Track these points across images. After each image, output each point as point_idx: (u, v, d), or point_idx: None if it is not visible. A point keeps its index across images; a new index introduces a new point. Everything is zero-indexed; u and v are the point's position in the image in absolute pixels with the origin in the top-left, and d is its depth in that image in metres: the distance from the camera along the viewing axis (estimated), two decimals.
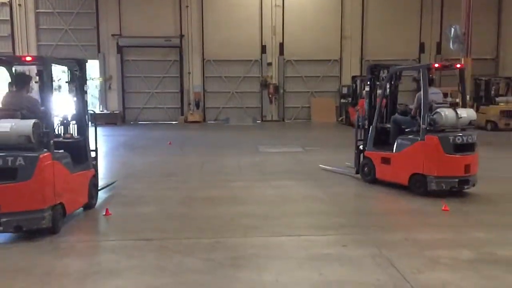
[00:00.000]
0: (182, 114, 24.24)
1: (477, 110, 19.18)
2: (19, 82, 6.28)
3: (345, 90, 23.26)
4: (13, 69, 6.59)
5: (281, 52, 24.33)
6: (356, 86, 21.03)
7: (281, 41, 24.22)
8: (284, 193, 8.01)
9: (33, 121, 5.47)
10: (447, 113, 7.49)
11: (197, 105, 24.16)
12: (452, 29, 13.17)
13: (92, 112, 7.85)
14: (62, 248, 5.24)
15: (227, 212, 6.69)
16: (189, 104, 24.31)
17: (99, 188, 7.55)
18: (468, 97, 13.40)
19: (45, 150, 5.53)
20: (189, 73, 24.23)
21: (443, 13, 23.90)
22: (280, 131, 20.56)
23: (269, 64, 24.35)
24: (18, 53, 23.32)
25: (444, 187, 7.38)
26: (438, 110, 7.54)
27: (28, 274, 4.50)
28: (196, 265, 4.71)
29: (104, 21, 23.82)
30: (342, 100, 23.22)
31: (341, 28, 24.40)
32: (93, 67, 23.71)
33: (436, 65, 8.44)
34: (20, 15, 23.63)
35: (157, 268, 4.65)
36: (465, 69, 8.89)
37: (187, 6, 23.82)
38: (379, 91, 8.77)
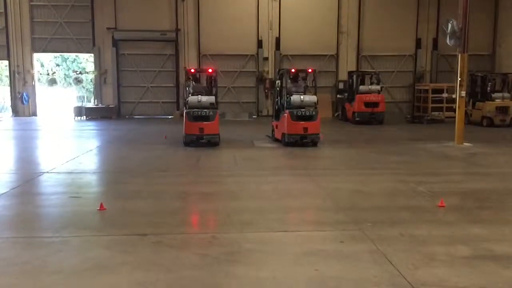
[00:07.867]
0: (177, 108, 24.08)
1: (473, 106, 19.29)
2: (197, 79, 13.47)
3: (341, 85, 23.19)
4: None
5: (278, 46, 24.23)
6: (352, 81, 20.98)
7: (278, 35, 24.13)
8: (280, 188, 7.99)
9: (213, 96, 12.75)
10: (294, 98, 12.73)
11: None
12: (449, 24, 13.10)
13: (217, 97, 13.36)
14: (55, 244, 5.18)
15: (223, 207, 6.66)
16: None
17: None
18: (463, 93, 13.43)
19: (216, 109, 12.52)
20: (185, 67, 24.06)
21: (439, 8, 23.87)
22: None
23: (265, 59, 24.26)
24: (12, 45, 23.63)
25: (292, 140, 12.47)
26: (291, 96, 12.76)
27: (10, 268, 4.45)
28: (192, 260, 4.67)
29: (99, 14, 23.66)
30: (339, 96, 23.07)
31: (338, 23, 24.33)
32: (88, 61, 23.50)
33: (293, 70, 13.60)
34: (15, 8, 23.44)
35: (151, 263, 4.60)
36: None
37: (183, 0, 23.69)
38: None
